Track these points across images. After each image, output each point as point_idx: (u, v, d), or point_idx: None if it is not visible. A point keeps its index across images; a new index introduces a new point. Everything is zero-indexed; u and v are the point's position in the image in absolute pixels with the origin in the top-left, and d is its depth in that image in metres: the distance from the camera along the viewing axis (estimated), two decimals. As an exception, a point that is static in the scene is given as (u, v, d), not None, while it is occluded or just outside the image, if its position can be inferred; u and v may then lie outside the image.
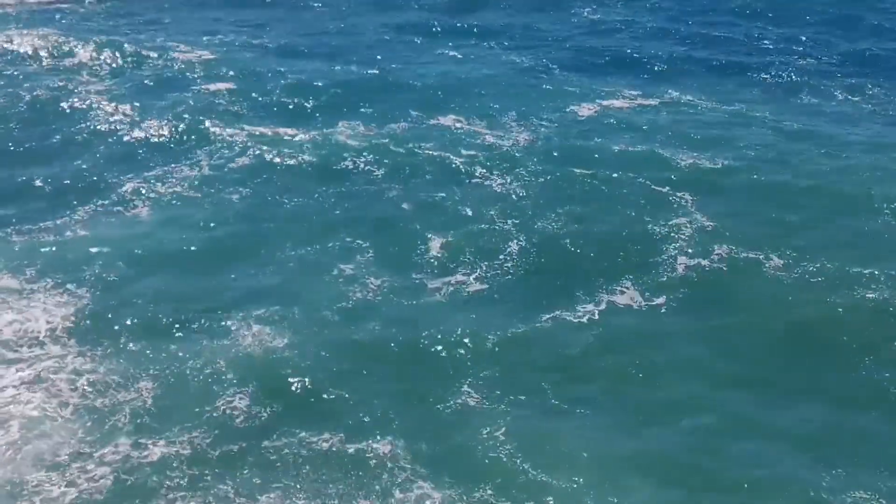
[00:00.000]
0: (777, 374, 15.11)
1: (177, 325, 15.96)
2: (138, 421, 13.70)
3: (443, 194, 20.76)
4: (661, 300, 16.92)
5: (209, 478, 12.75)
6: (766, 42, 32.97)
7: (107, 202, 20.35)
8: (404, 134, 24.02)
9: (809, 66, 30.35)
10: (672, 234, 19.00)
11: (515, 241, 18.80)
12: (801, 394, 14.67)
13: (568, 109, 25.96)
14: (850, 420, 14.15)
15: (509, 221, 19.56)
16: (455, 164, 22.23)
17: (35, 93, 26.31)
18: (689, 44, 32.66)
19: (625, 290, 17.16)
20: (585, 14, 36.25)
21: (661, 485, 12.81)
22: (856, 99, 27.79)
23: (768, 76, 29.50)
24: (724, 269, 17.92)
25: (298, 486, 12.63)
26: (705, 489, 12.82)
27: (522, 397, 14.48)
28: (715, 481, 12.95)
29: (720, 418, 14.10)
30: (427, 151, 22.78)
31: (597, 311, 16.50)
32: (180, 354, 15.16)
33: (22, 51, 29.98)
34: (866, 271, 17.65)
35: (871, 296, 16.92)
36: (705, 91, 27.91)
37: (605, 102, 26.58)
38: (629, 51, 31.77)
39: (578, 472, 12.94)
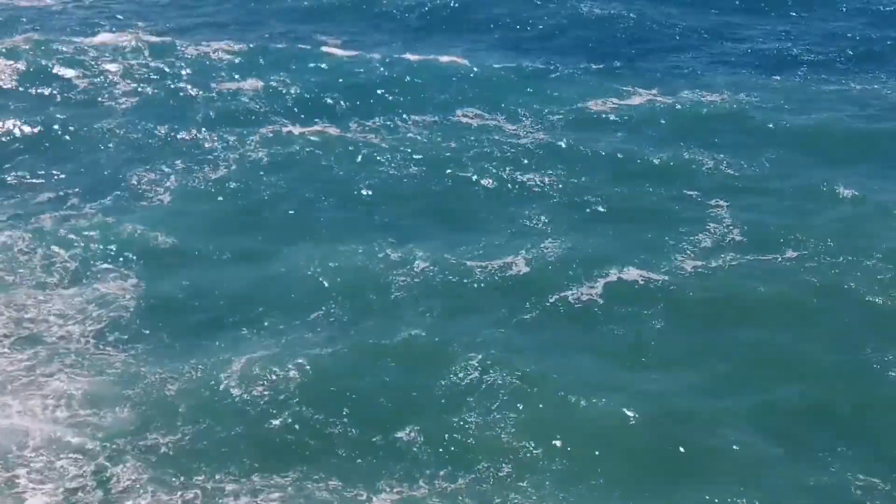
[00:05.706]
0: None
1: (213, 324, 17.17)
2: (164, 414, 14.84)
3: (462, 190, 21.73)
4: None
5: (240, 462, 14.03)
6: (776, 33, 32.81)
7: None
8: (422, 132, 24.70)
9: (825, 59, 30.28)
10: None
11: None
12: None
13: (581, 108, 26.19)
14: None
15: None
16: (469, 159, 23.02)
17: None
18: (699, 38, 32.47)
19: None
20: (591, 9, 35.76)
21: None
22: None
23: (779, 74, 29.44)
24: (734, 274, 18.53)
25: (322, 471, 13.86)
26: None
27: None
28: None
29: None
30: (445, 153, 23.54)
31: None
32: (212, 354, 16.23)
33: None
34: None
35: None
36: (717, 86, 28.05)
37: (621, 101, 26.79)
38: (638, 48, 31.75)
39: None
